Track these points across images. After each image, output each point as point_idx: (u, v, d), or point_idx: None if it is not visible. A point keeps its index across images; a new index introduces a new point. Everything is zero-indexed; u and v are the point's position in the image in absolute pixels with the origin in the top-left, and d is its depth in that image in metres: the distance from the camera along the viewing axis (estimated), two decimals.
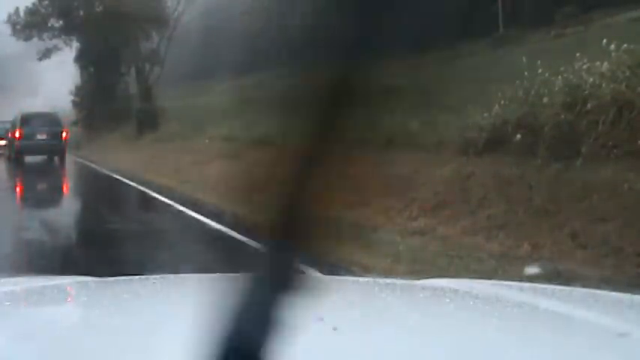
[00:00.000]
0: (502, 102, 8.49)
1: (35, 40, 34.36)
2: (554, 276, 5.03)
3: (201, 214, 9.67)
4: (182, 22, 33.75)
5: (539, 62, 8.30)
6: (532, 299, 1.40)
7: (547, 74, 8.08)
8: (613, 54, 7.44)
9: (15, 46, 37.06)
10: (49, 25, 34.28)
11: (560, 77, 7.82)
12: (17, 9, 34.05)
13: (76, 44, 34.97)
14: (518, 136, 7.80)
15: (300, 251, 0.68)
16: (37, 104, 40.98)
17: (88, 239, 8.43)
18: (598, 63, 7.47)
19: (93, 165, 22.17)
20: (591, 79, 7.37)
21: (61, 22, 34.48)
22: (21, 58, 43.65)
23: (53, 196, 14.54)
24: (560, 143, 7.24)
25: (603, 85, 7.17)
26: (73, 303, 1.46)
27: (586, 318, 1.22)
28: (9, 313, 1.29)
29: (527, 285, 1.76)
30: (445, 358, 0.99)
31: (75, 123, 34.00)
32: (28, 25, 34.09)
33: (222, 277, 1.88)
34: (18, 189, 16.35)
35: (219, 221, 8.93)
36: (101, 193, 15.00)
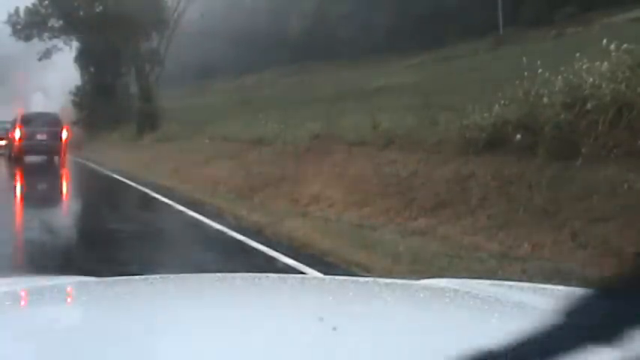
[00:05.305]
0: (502, 102, 8.48)
1: (35, 40, 34.37)
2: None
3: (201, 214, 9.68)
4: (182, 21, 33.73)
5: (539, 62, 8.29)
6: (532, 299, 1.40)
7: (547, 74, 8.07)
8: (613, 54, 7.43)
9: (15, 46, 37.04)
10: (49, 25, 34.29)
11: (560, 77, 7.81)
12: (17, 9, 34.07)
13: (76, 44, 35.03)
14: (519, 136, 7.80)
15: None
16: (37, 104, 40.95)
17: (88, 239, 8.42)
18: (598, 63, 7.47)
19: (93, 165, 22.17)
20: (591, 79, 7.36)
21: (61, 22, 34.49)
22: (21, 58, 43.65)
23: (53, 197, 14.54)
24: (560, 143, 7.24)
25: (603, 85, 7.16)
26: (73, 303, 1.46)
27: None
28: (9, 313, 1.29)
29: (527, 285, 1.76)
30: (445, 358, 0.99)
31: (75, 123, 34.00)
32: (28, 25, 34.09)
33: (222, 277, 1.89)
34: (18, 189, 16.34)
35: (219, 222, 8.93)
36: (101, 194, 15.00)
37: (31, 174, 20.13)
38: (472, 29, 29.37)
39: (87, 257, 6.88)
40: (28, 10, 34.05)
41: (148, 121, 27.54)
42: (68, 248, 7.80)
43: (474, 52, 26.67)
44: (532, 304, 1.34)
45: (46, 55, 35.30)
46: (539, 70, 8.16)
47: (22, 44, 35.27)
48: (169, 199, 11.72)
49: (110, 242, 7.89)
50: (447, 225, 7.37)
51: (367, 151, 10.94)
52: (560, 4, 27.67)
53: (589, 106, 7.13)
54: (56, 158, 22.82)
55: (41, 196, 14.28)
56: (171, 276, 1.77)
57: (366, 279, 1.57)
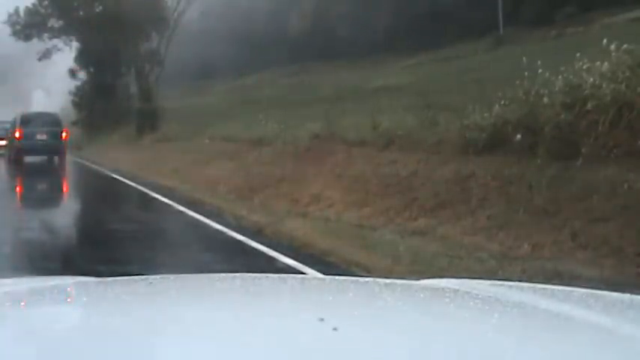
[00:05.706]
0: (502, 102, 8.48)
1: (35, 40, 34.39)
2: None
3: (201, 215, 9.68)
4: (182, 22, 33.73)
5: (539, 62, 8.28)
6: (532, 299, 1.40)
7: (547, 74, 8.07)
8: (613, 54, 7.43)
9: (15, 45, 37.06)
10: (49, 25, 34.29)
11: (560, 77, 7.80)
12: (17, 9, 34.09)
13: (76, 44, 35.02)
14: (519, 136, 7.80)
15: None
16: (37, 102, 40.96)
17: (89, 239, 8.42)
18: (598, 63, 7.46)
19: (93, 165, 22.17)
20: (591, 79, 7.36)
21: (61, 22, 34.50)
22: (21, 57, 43.67)
23: (53, 197, 14.54)
24: (560, 143, 7.24)
25: (603, 85, 7.16)
26: (73, 303, 1.45)
27: (586, 318, 1.22)
28: (9, 313, 1.29)
29: (527, 285, 1.76)
30: (445, 358, 0.99)
31: (75, 123, 34.00)
32: (28, 25, 34.10)
33: (222, 277, 1.89)
34: (18, 189, 16.35)
35: (219, 222, 8.93)
36: (101, 194, 15.00)
37: (31, 174, 20.13)
38: (472, 29, 29.37)
39: (87, 257, 6.87)
40: (28, 10, 34.07)
41: (147, 121, 27.54)
42: (68, 249, 7.80)
43: (474, 52, 26.67)
44: (532, 304, 1.34)
45: (46, 55, 35.32)
46: (540, 70, 8.15)
47: (22, 44, 35.32)
48: (169, 199, 11.72)
49: (110, 242, 7.89)
50: (447, 225, 7.36)
51: (367, 151, 10.94)
52: (560, 4, 27.67)
53: (589, 106, 7.13)
54: (56, 158, 22.81)
55: (41, 196, 14.28)
56: (172, 276, 1.77)
57: (366, 279, 1.57)
